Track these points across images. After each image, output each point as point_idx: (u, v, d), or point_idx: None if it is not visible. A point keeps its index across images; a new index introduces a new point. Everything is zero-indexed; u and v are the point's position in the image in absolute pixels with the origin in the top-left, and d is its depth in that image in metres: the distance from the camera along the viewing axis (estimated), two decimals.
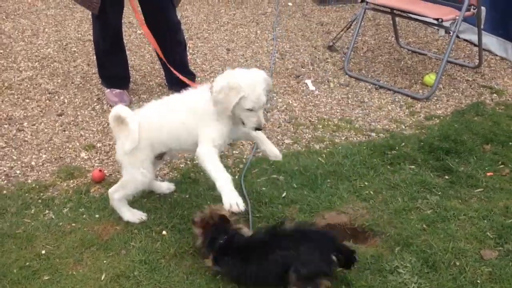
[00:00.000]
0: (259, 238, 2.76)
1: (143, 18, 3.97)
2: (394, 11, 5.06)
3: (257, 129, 2.85)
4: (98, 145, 3.91)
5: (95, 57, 4.56)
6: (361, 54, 5.56)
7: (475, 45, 5.58)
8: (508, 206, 3.30)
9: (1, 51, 5.20)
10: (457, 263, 2.90)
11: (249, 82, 2.75)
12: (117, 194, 3.07)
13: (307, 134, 4.17)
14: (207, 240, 2.77)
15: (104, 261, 2.87)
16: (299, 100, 4.67)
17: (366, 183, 3.56)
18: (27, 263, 2.84)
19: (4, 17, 5.95)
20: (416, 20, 5.11)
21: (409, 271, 2.86)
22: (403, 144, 3.98)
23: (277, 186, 3.52)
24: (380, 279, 2.81)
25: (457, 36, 5.44)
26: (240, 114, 2.81)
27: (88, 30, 5.71)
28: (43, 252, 2.92)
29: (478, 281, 2.79)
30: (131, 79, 4.65)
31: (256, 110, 2.79)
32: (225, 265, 2.72)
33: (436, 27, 6.03)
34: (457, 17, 4.59)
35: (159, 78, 4.87)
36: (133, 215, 3.14)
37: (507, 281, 2.77)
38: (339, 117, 4.42)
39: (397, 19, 5.56)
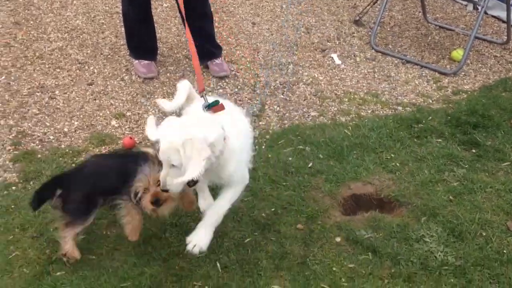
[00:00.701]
0: None
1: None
2: None
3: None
4: (128, 114, 3.98)
5: (123, 29, 4.61)
6: (388, 29, 5.53)
7: (503, 21, 5.52)
8: None
9: (32, 22, 5.28)
10: (484, 234, 2.94)
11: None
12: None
13: (333, 107, 4.19)
14: None
15: None
16: (325, 74, 4.68)
17: (392, 155, 3.59)
18: None
19: None
20: None
21: (435, 240, 2.90)
22: (430, 118, 3.99)
23: (303, 157, 3.56)
24: (406, 247, 2.86)
25: (485, 13, 5.39)
26: None
27: (116, 2, 5.75)
28: None
29: (505, 251, 2.83)
30: (158, 51, 4.69)
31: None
32: None
33: (464, 3, 5.97)
34: None
35: (185, 51, 4.91)
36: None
37: None
38: (365, 91, 4.44)
39: None
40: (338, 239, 2.91)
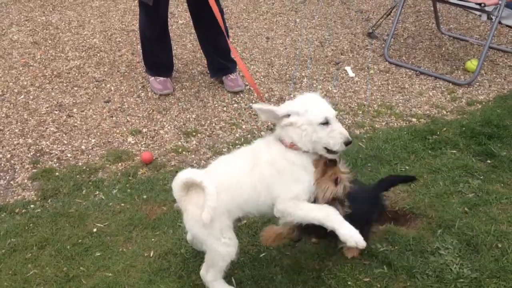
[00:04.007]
0: None
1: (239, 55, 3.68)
2: None
3: (347, 143, 2.41)
4: (144, 130, 4.04)
5: (139, 46, 4.69)
6: (401, 41, 5.54)
7: None
8: None
9: (50, 41, 5.39)
10: (499, 245, 2.91)
11: (301, 101, 2.47)
12: (210, 275, 2.60)
13: (347, 120, 4.20)
14: None
15: (152, 239, 2.99)
16: (339, 87, 4.70)
17: (407, 167, 3.58)
18: (80, 240, 2.99)
19: (51, 9, 6.14)
20: (457, 5, 5.07)
21: (451, 252, 2.88)
22: (445, 129, 3.98)
23: None
24: (421, 260, 2.85)
25: (499, 22, 5.37)
26: (316, 137, 2.40)
27: (132, 20, 5.86)
28: (95, 230, 3.06)
29: None
30: (174, 68, 4.76)
31: (331, 121, 2.41)
32: None
33: (478, 13, 5.95)
34: (500, 2, 4.54)
35: (200, 66, 4.97)
36: None
37: None
38: (379, 103, 4.44)
39: (438, 5, 5.51)
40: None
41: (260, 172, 2.43)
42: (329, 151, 2.43)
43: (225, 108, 4.35)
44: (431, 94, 4.56)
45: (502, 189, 3.35)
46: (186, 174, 2.43)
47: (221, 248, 2.48)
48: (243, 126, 4.12)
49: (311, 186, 2.42)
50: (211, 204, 2.36)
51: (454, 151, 3.74)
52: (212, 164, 2.60)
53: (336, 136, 2.40)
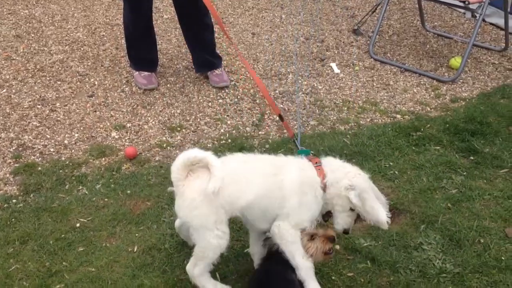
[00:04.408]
0: None
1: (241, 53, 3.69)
2: None
3: (345, 232, 2.59)
4: (128, 125, 4.01)
5: (123, 40, 4.65)
6: (386, 38, 5.56)
7: (501, 28, 5.54)
8: None
9: (33, 35, 5.33)
10: (482, 241, 2.94)
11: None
12: (197, 269, 2.54)
13: (332, 116, 4.21)
14: None
15: (136, 234, 2.97)
16: (324, 83, 4.70)
17: (391, 163, 3.60)
18: (63, 235, 2.96)
19: (34, 3, 6.07)
20: (442, 3, 5.10)
21: (434, 248, 2.91)
22: (429, 125, 4.01)
23: None
24: (404, 255, 2.87)
25: (483, 20, 5.41)
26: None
27: (116, 15, 5.81)
28: (78, 225, 3.04)
29: (503, 258, 2.83)
30: (158, 63, 4.73)
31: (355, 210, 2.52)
32: None
33: (462, 11, 6.00)
34: (483, 0, 4.57)
35: (185, 61, 4.94)
36: None
37: None
38: (364, 100, 4.46)
39: (423, 2, 5.54)
40: (337, 247, 2.92)
41: (283, 182, 2.46)
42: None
43: (210, 104, 4.33)
44: (415, 91, 4.59)
45: (485, 185, 3.38)
46: (190, 153, 2.41)
47: (213, 239, 2.45)
48: (228, 122, 4.11)
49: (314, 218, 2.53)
50: (218, 174, 2.34)
51: (438, 148, 3.77)
52: (227, 156, 2.58)
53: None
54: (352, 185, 2.46)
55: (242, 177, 2.48)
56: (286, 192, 2.46)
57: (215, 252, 2.49)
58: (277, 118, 4.16)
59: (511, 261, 2.80)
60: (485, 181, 3.43)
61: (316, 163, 2.56)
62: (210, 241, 2.45)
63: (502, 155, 3.64)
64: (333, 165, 2.57)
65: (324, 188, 2.50)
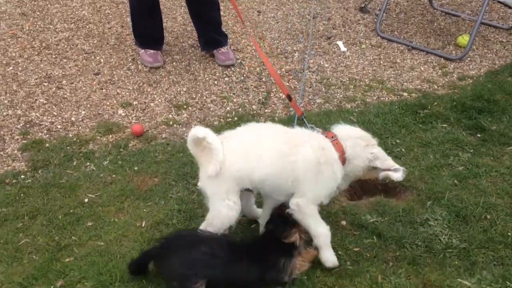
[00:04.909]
0: None
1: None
2: None
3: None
4: (135, 102, 4.01)
5: (129, 18, 4.64)
6: (394, 16, 5.52)
7: (509, 7, 5.50)
8: None
9: (38, 13, 5.31)
10: (488, 217, 2.95)
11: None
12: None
13: (338, 94, 4.20)
14: None
15: (144, 210, 2.99)
16: (331, 61, 4.68)
17: (397, 141, 3.60)
18: (71, 210, 2.98)
19: None
20: None
21: (440, 223, 2.92)
22: (436, 103, 3.99)
23: None
24: (411, 230, 2.88)
25: None
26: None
27: None
28: (86, 200, 3.06)
29: (509, 233, 2.84)
30: (164, 41, 4.71)
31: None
32: None
33: None
34: None
35: (191, 40, 4.92)
36: None
37: None
38: (370, 78, 4.44)
39: None
40: (343, 223, 2.93)
41: (297, 163, 2.47)
42: None
43: (216, 82, 4.33)
44: (422, 69, 4.56)
45: (492, 162, 3.38)
46: (192, 132, 2.45)
47: (223, 209, 2.49)
48: (234, 100, 4.10)
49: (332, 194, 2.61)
50: (218, 158, 2.41)
51: (445, 125, 3.76)
52: (240, 128, 2.61)
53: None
54: (374, 156, 2.57)
55: (253, 153, 2.49)
56: (300, 173, 2.48)
57: (223, 223, 2.52)
58: (284, 97, 4.16)
59: None
60: (492, 158, 3.43)
61: (332, 137, 2.58)
62: (221, 210, 2.50)
63: (509, 133, 3.63)
64: (349, 135, 2.60)
65: (344, 162, 2.55)
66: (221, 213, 2.50)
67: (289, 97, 3.10)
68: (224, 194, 2.48)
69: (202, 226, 2.59)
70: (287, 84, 4.30)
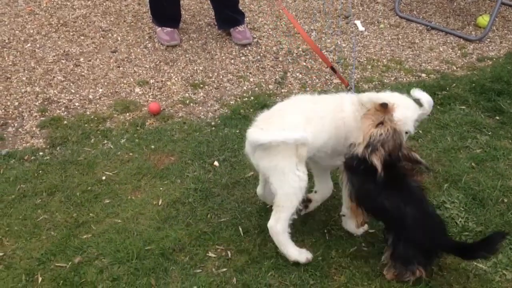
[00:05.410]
0: None
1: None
2: None
3: None
4: (151, 81, 4.02)
5: None
6: None
7: None
8: None
9: None
10: (505, 200, 2.93)
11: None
12: (280, 225, 2.52)
13: (355, 75, 4.17)
14: None
15: (161, 188, 3.01)
16: (348, 41, 4.64)
17: None
18: (89, 188, 3.01)
19: None
20: None
21: (457, 206, 2.90)
22: (454, 85, 3.95)
23: None
24: None
25: None
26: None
27: None
28: (104, 178, 3.09)
29: None
30: (181, 19, 4.69)
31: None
32: None
33: None
34: None
35: (208, 18, 4.90)
36: (300, 254, 2.59)
37: None
38: (388, 58, 4.40)
39: None
40: None
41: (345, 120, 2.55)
42: None
43: (232, 61, 4.31)
44: (441, 49, 4.51)
45: (510, 145, 3.35)
46: (251, 138, 2.42)
47: (294, 183, 2.44)
48: (251, 79, 4.09)
49: None
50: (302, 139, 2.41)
51: (463, 107, 3.72)
52: (295, 97, 2.69)
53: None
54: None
55: (315, 122, 2.51)
56: (351, 125, 2.54)
57: (297, 196, 2.48)
58: (294, 75, 4.14)
59: None
60: (510, 141, 3.39)
61: None
62: (292, 184, 2.45)
63: None
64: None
65: None
66: (294, 187, 2.46)
67: (333, 69, 3.13)
68: (295, 166, 2.43)
69: (273, 220, 2.53)
70: (304, 64, 4.27)
